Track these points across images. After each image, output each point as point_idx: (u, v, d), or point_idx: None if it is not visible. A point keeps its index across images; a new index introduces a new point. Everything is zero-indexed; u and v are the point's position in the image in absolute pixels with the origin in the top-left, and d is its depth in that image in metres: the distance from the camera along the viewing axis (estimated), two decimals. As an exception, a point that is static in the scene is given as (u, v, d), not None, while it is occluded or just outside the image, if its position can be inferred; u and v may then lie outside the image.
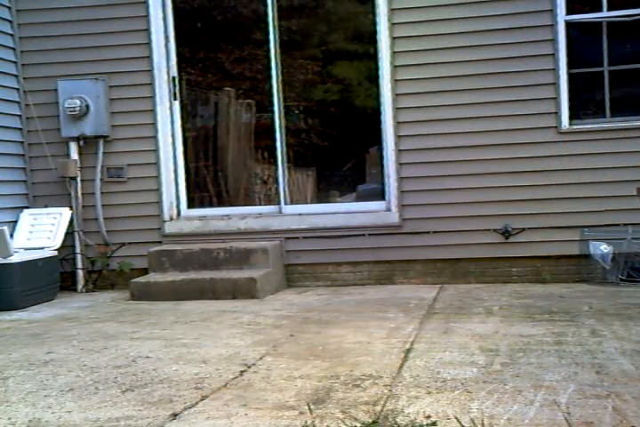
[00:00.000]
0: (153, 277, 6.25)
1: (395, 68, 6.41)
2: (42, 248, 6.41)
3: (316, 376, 3.44)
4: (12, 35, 6.88)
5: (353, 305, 5.46)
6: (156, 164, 6.79)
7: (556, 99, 6.20)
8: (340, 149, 7.68)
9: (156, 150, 6.80)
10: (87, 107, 6.74)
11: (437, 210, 6.36)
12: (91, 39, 6.81)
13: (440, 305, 5.30)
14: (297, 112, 7.59)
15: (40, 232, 6.59)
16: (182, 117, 6.96)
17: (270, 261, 6.28)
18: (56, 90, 6.81)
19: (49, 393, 3.34)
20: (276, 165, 6.85)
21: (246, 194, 7.93)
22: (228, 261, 6.32)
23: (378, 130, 6.53)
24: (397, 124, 6.42)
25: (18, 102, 6.92)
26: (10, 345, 4.44)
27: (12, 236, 6.40)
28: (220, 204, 7.63)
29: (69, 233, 6.74)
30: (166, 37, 6.80)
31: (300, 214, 6.68)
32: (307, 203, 7.35)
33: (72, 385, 3.46)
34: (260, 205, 7.56)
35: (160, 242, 6.76)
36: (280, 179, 6.83)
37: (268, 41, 6.77)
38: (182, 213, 6.91)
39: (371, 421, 2.75)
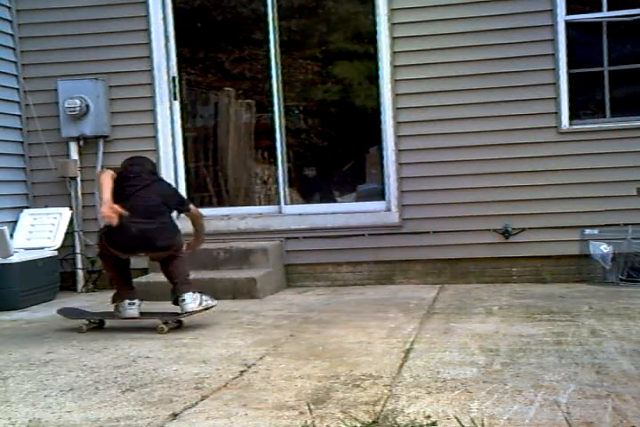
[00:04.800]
0: (153, 277, 6.24)
1: (395, 68, 6.41)
2: (42, 248, 6.41)
3: (316, 376, 3.44)
4: (12, 35, 6.88)
5: (353, 305, 5.46)
6: (156, 164, 6.78)
7: (556, 99, 6.20)
8: (339, 149, 7.67)
9: (156, 150, 6.79)
10: (87, 107, 6.73)
11: (437, 210, 6.35)
12: (91, 39, 6.81)
13: (440, 305, 5.31)
14: (297, 112, 7.59)
15: (40, 232, 6.59)
16: (182, 117, 6.96)
17: (270, 261, 6.27)
18: (56, 90, 6.81)
19: (49, 393, 3.34)
20: (276, 165, 6.85)
21: (246, 194, 7.92)
22: (228, 261, 6.31)
23: (378, 130, 6.53)
24: (397, 124, 6.42)
25: (18, 102, 6.92)
26: (10, 345, 4.44)
27: (12, 236, 6.40)
28: (220, 204, 7.62)
29: (69, 233, 6.75)
30: (166, 37, 6.80)
31: (299, 214, 6.67)
32: (307, 203, 7.34)
33: (72, 385, 3.46)
34: (260, 205, 7.55)
35: (160, 242, 6.74)
36: (280, 179, 6.82)
37: (267, 41, 6.77)
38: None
39: (371, 421, 2.75)
